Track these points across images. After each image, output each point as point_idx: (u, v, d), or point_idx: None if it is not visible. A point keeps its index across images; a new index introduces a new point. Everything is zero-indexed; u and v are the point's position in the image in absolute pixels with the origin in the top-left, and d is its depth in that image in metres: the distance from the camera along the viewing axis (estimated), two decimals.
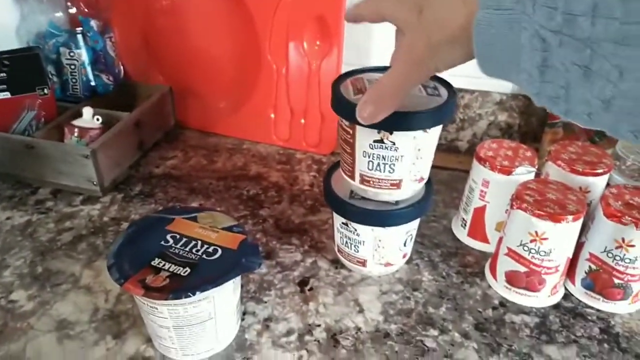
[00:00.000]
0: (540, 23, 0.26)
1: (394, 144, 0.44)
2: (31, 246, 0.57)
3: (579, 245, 0.51)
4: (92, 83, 0.74)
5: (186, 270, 0.40)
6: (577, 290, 0.52)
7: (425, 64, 0.34)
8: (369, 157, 0.45)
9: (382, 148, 0.44)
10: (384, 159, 0.45)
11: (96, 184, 0.64)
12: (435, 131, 0.45)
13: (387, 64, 0.41)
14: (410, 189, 0.48)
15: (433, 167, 0.49)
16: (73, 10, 0.71)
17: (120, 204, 0.65)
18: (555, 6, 0.25)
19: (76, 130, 0.67)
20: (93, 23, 0.71)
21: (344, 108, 0.43)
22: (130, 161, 0.72)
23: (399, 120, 0.41)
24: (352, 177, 0.48)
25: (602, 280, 0.50)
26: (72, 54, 0.71)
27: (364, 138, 0.44)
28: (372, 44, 0.74)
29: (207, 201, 0.66)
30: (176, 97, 0.81)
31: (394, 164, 0.45)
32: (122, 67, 0.79)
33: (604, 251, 0.49)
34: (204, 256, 0.42)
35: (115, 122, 0.69)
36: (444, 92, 0.45)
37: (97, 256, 0.56)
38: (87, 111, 0.68)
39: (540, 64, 0.27)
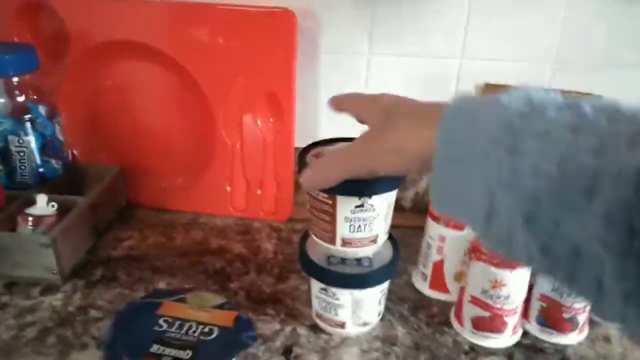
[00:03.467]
0: (488, 175, 0.30)
1: (372, 206, 0.49)
2: None
3: (530, 288, 0.57)
4: (41, 169, 0.72)
5: (188, 353, 0.41)
6: (534, 328, 0.58)
7: (367, 164, 0.41)
8: (350, 221, 0.49)
9: (363, 211, 0.49)
10: (364, 220, 0.49)
11: (56, 273, 0.62)
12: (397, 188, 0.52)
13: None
14: (382, 241, 0.53)
15: None
16: (21, 98, 0.70)
17: (83, 291, 0.63)
18: (502, 161, 0.29)
19: (30, 219, 0.65)
20: (41, 109, 0.71)
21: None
22: (87, 246, 0.70)
23: (379, 186, 0.47)
24: (333, 242, 0.52)
25: (553, 316, 0.56)
26: (21, 141, 0.69)
27: (346, 206, 0.49)
28: (320, 119, 0.79)
29: (174, 279, 0.66)
30: (127, 176, 0.81)
31: (372, 223, 0.50)
32: (70, 150, 0.78)
33: (552, 290, 0.55)
34: (201, 337, 0.43)
35: (69, 207, 0.67)
36: None
37: (69, 348, 0.54)
38: (42, 198, 0.66)
39: (488, 210, 0.31)
